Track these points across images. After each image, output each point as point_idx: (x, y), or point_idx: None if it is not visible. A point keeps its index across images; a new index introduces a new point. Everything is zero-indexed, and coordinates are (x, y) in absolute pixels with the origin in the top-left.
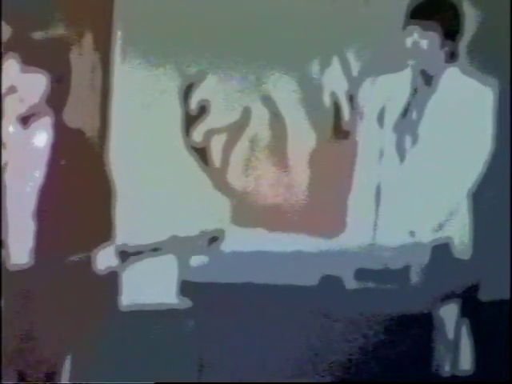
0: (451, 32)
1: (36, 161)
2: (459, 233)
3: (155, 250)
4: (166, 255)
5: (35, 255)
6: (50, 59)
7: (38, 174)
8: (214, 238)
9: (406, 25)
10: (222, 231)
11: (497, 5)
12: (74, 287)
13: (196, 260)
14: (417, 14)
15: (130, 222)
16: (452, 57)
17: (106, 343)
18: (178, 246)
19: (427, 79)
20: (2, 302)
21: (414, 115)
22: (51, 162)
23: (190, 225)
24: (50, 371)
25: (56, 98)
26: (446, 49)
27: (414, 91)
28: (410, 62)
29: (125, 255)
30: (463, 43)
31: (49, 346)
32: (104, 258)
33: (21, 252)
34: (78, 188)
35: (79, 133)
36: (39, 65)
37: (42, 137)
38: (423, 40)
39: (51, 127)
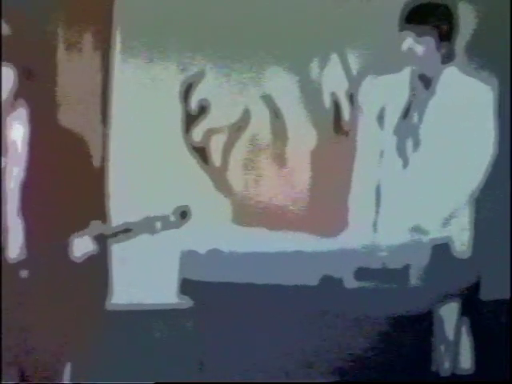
0: (447, 34)
1: (16, 156)
2: (460, 233)
3: (126, 230)
4: (139, 235)
5: (27, 249)
6: (17, 53)
7: (19, 170)
8: (184, 214)
9: (401, 29)
10: (187, 206)
11: (496, 4)
12: (71, 287)
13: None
14: (412, 19)
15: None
16: (449, 57)
17: (105, 342)
18: (149, 225)
19: (426, 81)
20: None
21: (415, 116)
22: (33, 158)
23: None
24: (49, 371)
25: (28, 93)
26: (443, 50)
27: (413, 93)
28: (408, 66)
29: (101, 239)
30: (462, 43)
31: (46, 344)
32: (80, 245)
33: (13, 246)
34: (71, 186)
35: (77, 132)
36: (6, 59)
37: (18, 131)
38: (419, 45)
39: (27, 122)
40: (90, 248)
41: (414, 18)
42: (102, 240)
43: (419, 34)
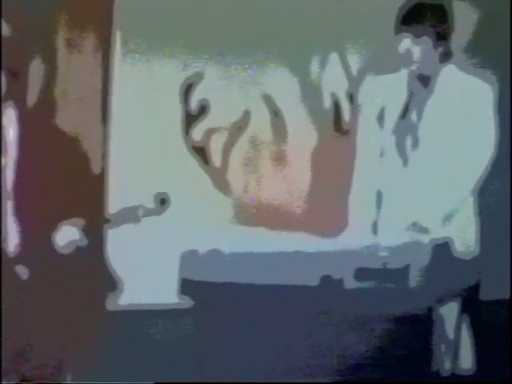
0: (443, 32)
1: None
2: (463, 233)
3: (106, 221)
4: (119, 226)
5: (24, 249)
6: (10, 54)
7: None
8: (163, 201)
9: (397, 31)
10: (165, 193)
11: (496, 2)
12: (71, 287)
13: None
14: (407, 20)
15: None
16: (447, 56)
17: (105, 342)
18: (128, 215)
19: (424, 80)
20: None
21: (414, 115)
22: (29, 158)
23: (193, 223)
24: (49, 371)
25: (16, 92)
26: (440, 49)
27: (412, 92)
28: (405, 67)
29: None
30: (461, 41)
31: (47, 345)
32: (65, 234)
33: (11, 245)
34: (71, 186)
35: (76, 132)
36: None
37: (8, 132)
38: (416, 46)
39: (17, 122)
40: (76, 237)
41: (409, 19)
42: (90, 232)
43: (416, 35)
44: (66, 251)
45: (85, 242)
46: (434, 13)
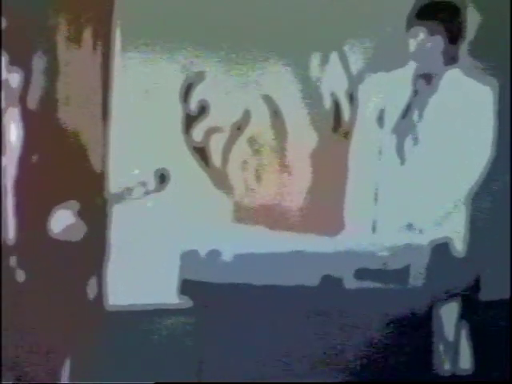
0: (454, 35)
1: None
2: (458, 232)
3: (103, 201)
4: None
5: (19, 239)
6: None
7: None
8: (163, 177)
9: (410, 26)
10: (166, 170)
11: (497, 7)
12: (70, 286)
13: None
14: (423, 16)
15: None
16: (453, 58)
17: (105, 343)
18: (129, 193)
19: (428, 79)
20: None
21: (415, 115)
22: (26, 155)
23: (193, 223)
24: (48, 371)
25: (23, 92)
26: (449, 51)
27: (415, 91)
28: (412, 63)
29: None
30: (465, 45)
31: (46, 344)
32: (59, 220)
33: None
34: (70, 186)
35: (76, 130)
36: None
37: (12, 130)
38: (428, 42)
39: (21, 120)
40: (70, 221)
41: (425, 15)
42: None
43: (429, 30)
44: (64, 237)
45: (84, 229)
46: (449, 14)
